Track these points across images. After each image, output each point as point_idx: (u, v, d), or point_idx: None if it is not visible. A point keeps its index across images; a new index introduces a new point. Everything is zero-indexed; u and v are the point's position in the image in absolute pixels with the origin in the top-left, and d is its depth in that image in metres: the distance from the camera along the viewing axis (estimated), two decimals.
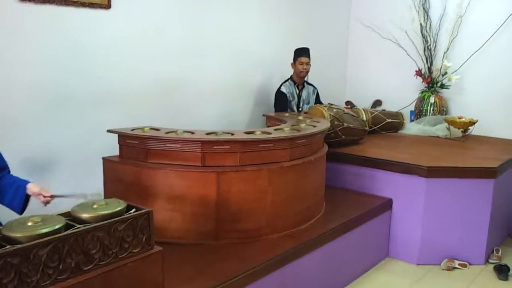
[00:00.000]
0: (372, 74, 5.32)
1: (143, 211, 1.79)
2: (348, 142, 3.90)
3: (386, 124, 4.54)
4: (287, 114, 3.79)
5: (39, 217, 1.62)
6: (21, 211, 2.10)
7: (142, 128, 2.72)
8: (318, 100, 4.39)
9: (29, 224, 1.57)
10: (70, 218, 1.71)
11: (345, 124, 3.81)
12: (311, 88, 4.36)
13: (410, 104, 4.94)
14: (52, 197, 2.07)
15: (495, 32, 4.44)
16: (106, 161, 2.72)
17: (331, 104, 4.03)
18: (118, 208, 1.75)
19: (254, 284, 2.32)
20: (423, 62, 4.83)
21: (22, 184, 2.11)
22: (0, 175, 2.13)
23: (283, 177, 2.70)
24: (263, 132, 2.79)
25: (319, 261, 2.79)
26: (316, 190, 3.04)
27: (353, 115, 4.04)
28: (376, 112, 4.59)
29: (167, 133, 2.63)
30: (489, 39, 4.47)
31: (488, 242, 3.40)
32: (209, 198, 2.52)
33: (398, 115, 4.69)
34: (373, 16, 5.13)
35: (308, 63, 4.16)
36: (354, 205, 3.29)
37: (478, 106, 4.55)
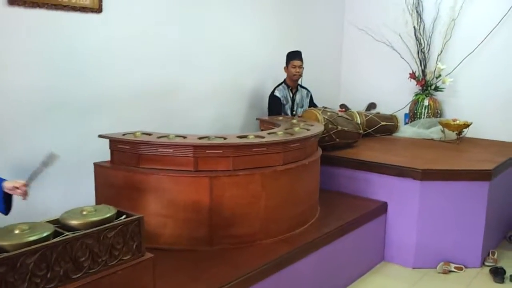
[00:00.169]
0: (366, 77, 5.31)
1: (133, 217, 1.77)
2: (343, 145, 3.89)
3: (380, 127, 4.54)
4: (280, 118, 3.77)
5: (27, 224, 1.59)
6: (5, 211, 2.04)
7: (133, 133, 2.69)
8: (312, 103, 4.38)
9: (16, 232, 1.54)
10: (59, 225, 1.68)
11: (339, 127, 3.79)
12: (304, 91, 4.35)
13: (404, 107, 4.94)
14: (26, 184, 2.01)
15: (488, 35, 4.46)
16: (98, 166, 2.68)
17: (325, 107, 4.03)
18: (108, 215, 1.72)
19: None
20: (417, 65, 4.84)
21: None
22: None
23: (277, 181, 2.68)
24: (256, 136, 2.76)
25: (314, 265, 2.77)
26: (310, 194, 3.02)
27: (347, 118, 4.03)
28: (371, 115, 4.59)
29: (159, 137, 2.60)
30: (482, 41, 4.49)
31: (484, 244, 3.39)
32: (202, 203, 2.49)
33: (392, 118, 4.69)
34: (366, 19, 5.13)
35: (301, 66, 4.15)
36: (349, 209, 3.28)
37: (472, 108, 4.56)
